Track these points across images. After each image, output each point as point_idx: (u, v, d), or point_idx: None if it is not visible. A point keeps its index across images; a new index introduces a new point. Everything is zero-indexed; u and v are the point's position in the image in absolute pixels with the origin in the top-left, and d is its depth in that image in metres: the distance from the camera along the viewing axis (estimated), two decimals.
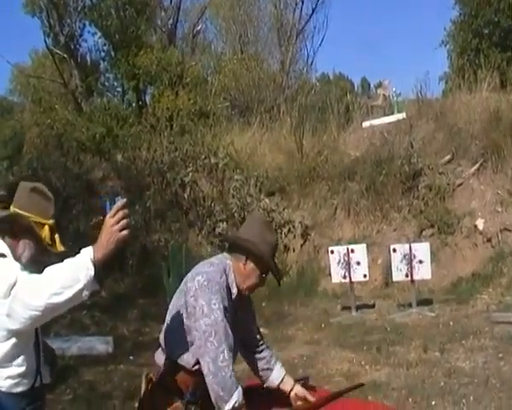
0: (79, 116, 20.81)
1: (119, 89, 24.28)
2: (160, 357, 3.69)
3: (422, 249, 11.25)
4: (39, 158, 18.00)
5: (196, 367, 3.54)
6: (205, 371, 3.39)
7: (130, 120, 20.35)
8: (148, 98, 23.72)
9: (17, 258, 3.28)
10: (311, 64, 31.60)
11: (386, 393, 7.19)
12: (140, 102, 23.07)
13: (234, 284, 3.65)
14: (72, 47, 23.41)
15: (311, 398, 3.90)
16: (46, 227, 3.42)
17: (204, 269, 3.60)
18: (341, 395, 4.18)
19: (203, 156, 16.15)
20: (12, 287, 2.97)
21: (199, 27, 30.01)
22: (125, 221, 2.88)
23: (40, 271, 3.02)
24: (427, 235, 13.29)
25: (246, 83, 24.09)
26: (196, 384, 3.57)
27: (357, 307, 11.78)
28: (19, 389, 3.24)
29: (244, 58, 26.38)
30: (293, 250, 14.66)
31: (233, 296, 3.62)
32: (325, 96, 21.82)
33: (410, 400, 6.94)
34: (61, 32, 22.52)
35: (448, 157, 14.31)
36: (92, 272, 2.87)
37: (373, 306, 12.07)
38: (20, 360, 3.23)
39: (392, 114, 16.49)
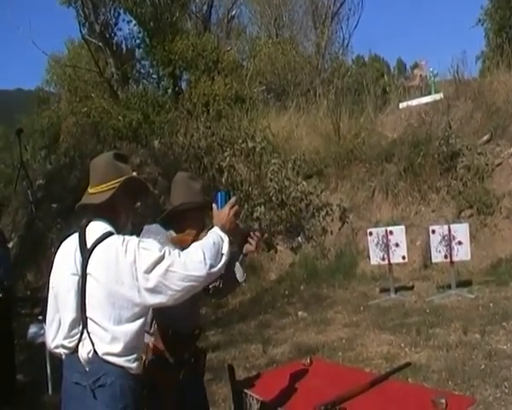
0: (115, 104, 20.88)
1: (155, 76, 24.29)
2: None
3: (461, 230, 11.14)
4: (76, 146, 18.21)
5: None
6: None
7: (167, 107, 20.38)
8: (184, 84, 23.79)
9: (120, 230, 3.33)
10: (347, 46, 31.44)
11: (426, 375, 7.16)
12: (176, 89, 23.07)
13: None
14: (108, 36, 23.50)
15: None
16: None
17: None
18: (387, 378, 4.18)
19: (240, 141, 16.17)
20: (134, 265, 3.05)
21: (233, 12, 30.05)
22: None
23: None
24: (466, 216, 13.16)
25: (281, 66, 24.02)
26: (174, 349, 3.87)
27: (396, 290, 11.75)
28: (139, 371, 3.25)
29: (279, 42, 26.30)
30: (331, 233, 14.63)
31: None
32: (361, 78, 21.66)
33: (451, 382, 6.90)
34: (95, 22, 22.60)
35: (486, 137, 14.16)
36: (227, 241, 3.31)
37: (412, 288, 12.03)
38: (142, 341, 3.34)
39: (430, 94, 16.36)
